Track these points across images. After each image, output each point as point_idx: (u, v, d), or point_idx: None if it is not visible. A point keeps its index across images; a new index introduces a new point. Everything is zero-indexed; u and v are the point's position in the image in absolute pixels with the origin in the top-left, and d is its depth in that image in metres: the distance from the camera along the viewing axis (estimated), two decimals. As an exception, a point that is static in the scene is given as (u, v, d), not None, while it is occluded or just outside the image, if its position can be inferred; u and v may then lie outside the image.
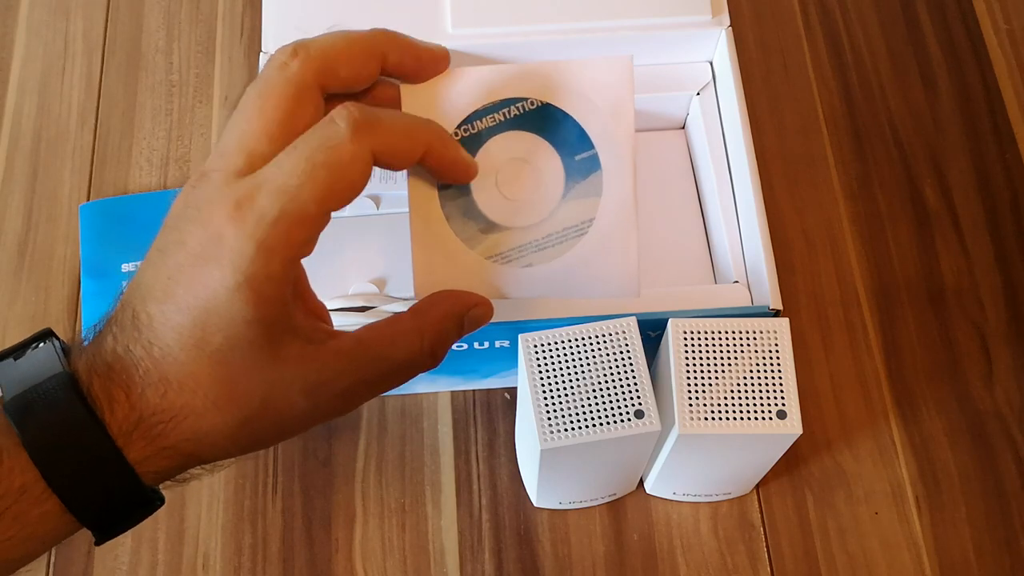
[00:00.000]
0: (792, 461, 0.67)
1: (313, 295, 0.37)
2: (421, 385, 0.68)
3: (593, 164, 0.34)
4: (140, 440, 0.31)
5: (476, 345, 0.61)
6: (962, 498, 0.67)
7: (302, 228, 0.32)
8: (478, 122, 0.34)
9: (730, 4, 0.67)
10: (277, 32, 0.67)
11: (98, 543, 0.34)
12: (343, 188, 0.32)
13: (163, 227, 0.33)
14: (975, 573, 0.65)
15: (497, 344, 0.61)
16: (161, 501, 0.34)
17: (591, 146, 0.33)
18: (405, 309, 0.59)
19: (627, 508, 0.66)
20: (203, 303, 0.31)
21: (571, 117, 0.33)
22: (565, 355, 0.53)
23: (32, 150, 0.78)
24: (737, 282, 0.64)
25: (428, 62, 0.38)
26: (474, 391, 0.70)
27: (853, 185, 0.77)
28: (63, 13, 0.83)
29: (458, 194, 0.34)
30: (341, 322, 0.59)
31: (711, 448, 0.56)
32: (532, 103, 0.33)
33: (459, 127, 0.35)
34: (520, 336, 0.54)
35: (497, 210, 0.33)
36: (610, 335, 0.54)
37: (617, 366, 0.53)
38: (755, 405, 0.53)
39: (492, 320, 0.59)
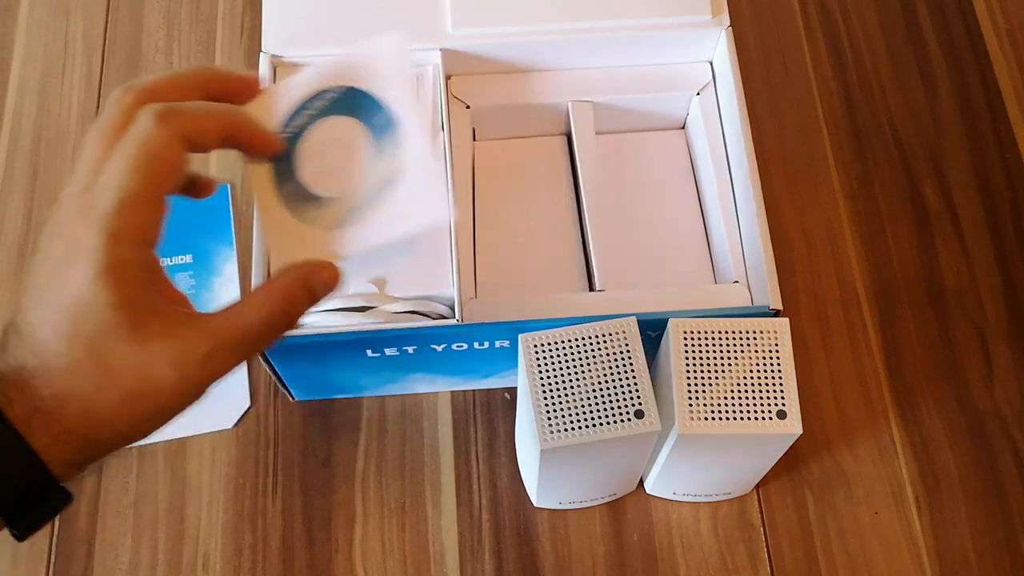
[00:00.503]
0: (792, 461, 0.67)
1: (170, 284, 0.39)
2: (421, 385, 0.68)
3: (390, 124, 0.39)
4: (39, 427, 0.34)
5: (476, 345, 0.61)
6: (962, 498, 0.67)
7: (139, 212, 0.36)
8: (297, 119, 0.40)
9: (730, 4, 0.68)
10: (277, 32, 0.67)
11: (19, 538, 0.37)
12: (164, 171, 0.37)
13: (34, 254, 0.38)
14: (975, 573, 0.65)
15: (497, 344, 0.61)
16: (70, 496, 0.37)
17: (385, 109, 0.39)
18: (405, 309, 0.59)
19: (627, 508, 0.66)
20: (71, 299, 0.35)
21: (366, 92, 0.39)
22: (565, 355, 0.53)
23: (32, 150, 0.78)
24: (737, 282, 0.64)
25: (240, 87, 0.41)
26: (474, 391, 0.70)
27: (853, 185, 0.77)
28: (63, 13, 0.83)
29: (289, 180, 0.39)
30: (341, 322, 0.59)
31: (711, 448, 0.56)
32: (336, 91, 0.39)
33: (284, 128, 0.40)
34: (520, 336, 0.54)
35: (324, 186, 0.39)
36: (610, 335, 0.54)
37: (617, 366, 0.53)
38: (755, 405, 0.53)
39: (491, 320, 0.59)
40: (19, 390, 0.35)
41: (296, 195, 0.40)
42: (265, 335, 0.38)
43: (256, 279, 0.60)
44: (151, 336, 0.36)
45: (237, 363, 0.38)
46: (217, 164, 0.77)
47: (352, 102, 0.39)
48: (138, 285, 0.36)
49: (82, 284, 0.35)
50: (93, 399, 0.35)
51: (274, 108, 0.41)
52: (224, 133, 0.39)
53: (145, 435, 0.38)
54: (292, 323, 0.39)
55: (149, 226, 0.37)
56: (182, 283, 0.73)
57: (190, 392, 0.37)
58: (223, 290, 0.73)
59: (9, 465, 0.34)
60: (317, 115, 0.40)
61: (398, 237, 0.39)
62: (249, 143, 0.40)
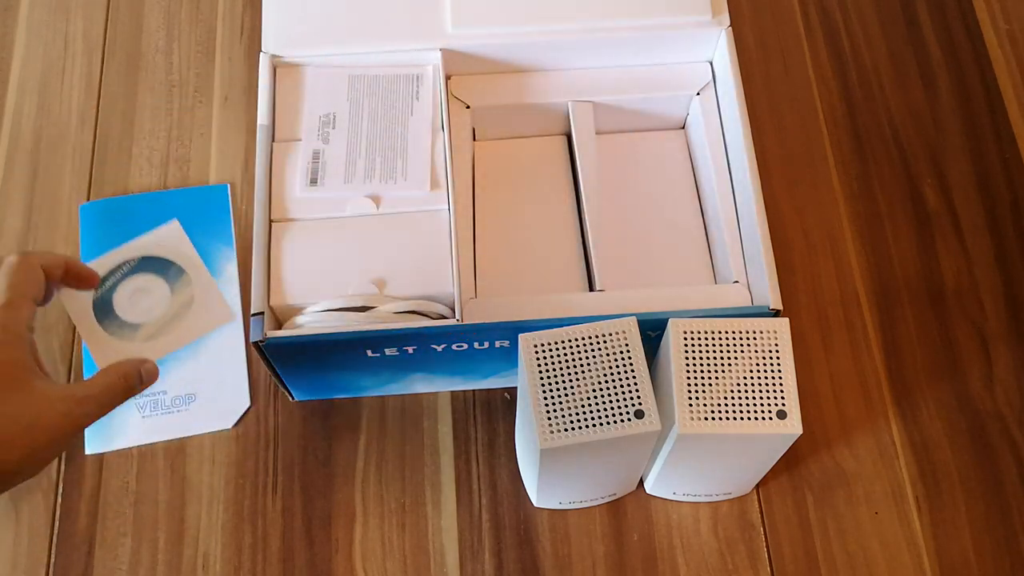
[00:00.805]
0: (792, 461, 0.67)
1: (40, 361, 0.52)
2: (421, 385, 0.68)
3: (180, 272, 0.60)
4: None
5: (476, 345, 0.61)
6: (962, 498, 0.67)
7: (18, 307, 0.50)
8: (110, 280, 0.59)
9: (730, 4, 0.68)
10: (277, 32, 0.67)
11: None
12: (30, 283, 0.51)
13: None
14: (975, 573, 0.65)
15: (497, 344, 0.61)
16: None
17: (174, 263, 0.60)
18: (405, 309, 0.59)
19: (627, 508, 0.66)
20: None
21: (159, 257, 0.59)
22: (565, 355, 0.53)
23: (32, 150, 0.78)
24: (737, 282, 0.64)
25: (84, 276, 0.56)
26: (474, 391, 0.70)
27: (853, 185, 0.77)
28: (63, 13, 0.83)
29: (108, 316, 0.58)
30: (341, 322, 0.59)
31: (711, 448, 0.56)
32: (132, 260, 0.59)
33: (101, 287, 0.58)
34: (520, 336, 0.54)
35: (137, 315, 0.58)
36: (610, 335, 0.54)
37: (617, 366, 0.53)
38: (755, 405, 0.53)
39: (491, 320, 0.59)
40: None
41: (115, 324, 0.59)
42: (106, 400, 0.51)
43: (257, 279, 0.60)
44: (34, 387, 0.48)
45: (90, 418, 0.50)
46: (217, 164, 0.77)
47: (148, 264, 0.59)
48: (20, 352, 0.49)
49: None
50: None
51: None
52: (65, 266, 0.54)
53: (35, 469, 0.48)
54: (128, 393, 0.52)
55: (26, 318, 0.50)
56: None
57: (68, 430, 0.48)
58: (224, 290, 0.73)
59: None
60: (124, 275, 0.59)
61: (194, 340, 0.59)
62: (79, 276, 0.55)
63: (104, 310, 0.63)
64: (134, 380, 0.53)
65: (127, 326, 0.62)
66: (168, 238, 0.64)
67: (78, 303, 0.61)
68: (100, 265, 0.61)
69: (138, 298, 0.62)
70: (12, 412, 0.47)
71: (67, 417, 0.48)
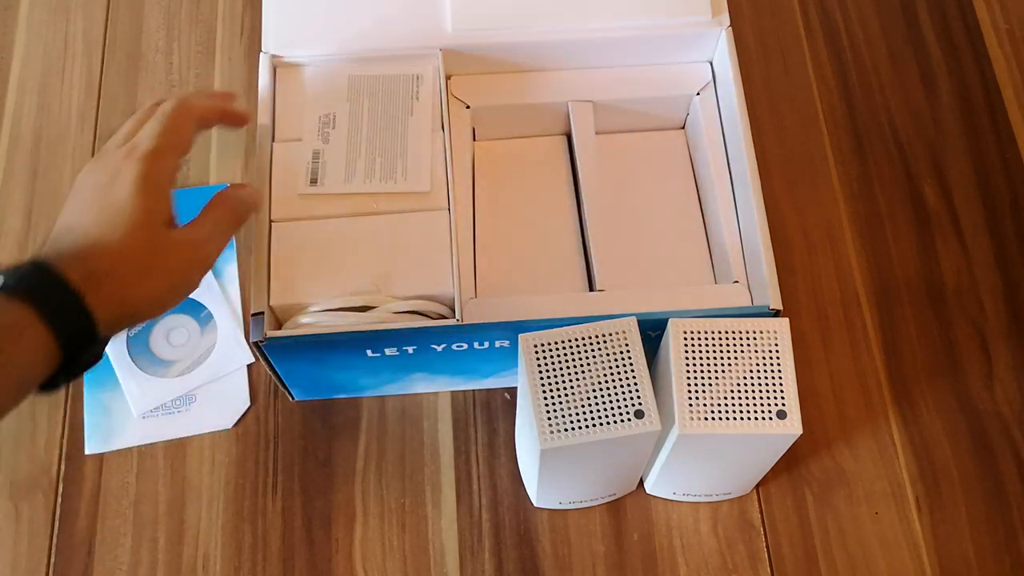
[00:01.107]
0: (792, 461, 0.67)
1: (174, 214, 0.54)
2: (421, 385, 0.68)
3: (209, 316, 0.71)
4: (91, 291, 0.47)
5: (476, 345, 0.61)
6: (962, 498, 0.67)
7: (164, 159, 0.52)
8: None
9: (730, 4, 0.68)
10: (277, 32, 0.67)
11: (52, 387, 0.48)
12: (181, 136, 0.54)
13: (71, 193, 0.52)
14: (975, 573, 0.65)
15: (497, 344, 0.61)
16: (102, 352, 0.51)
17: (205, 307, 0.71)
18: (405, 309, 0.59)
19: (627, 508, 0.66)
20: (115, 206, 0.50)
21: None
22: (565, 355, 0.53)
23: (32, 150, 0.78)
24: (737, 282, 0.64)
25: (239, 117, 0.59)
26: (474, 391, 0.70)
27: (853, 185, 0.77)
28: (63, 13, 0.83)
29: (145, 351, 0.70)
30: (341, 322, 0.59)
31: (711, 448, 0.56)
32: None
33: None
34: (520, 336, 0.54)
35: (172, 353, 0.70)
36: (610, 335, 0.54)
37: (617, 366, 0.53)
38: (755, 405, 0.53)
39: (491, 320, 0.59)
40: (78, 261, 0.48)
41: (149, 360, 0.70)
42: (222, 236, 0.54)
43: (257, 279, 0.60)
44: (170, 232, 0.51)
45: (212, 256, 0.54)
46: (217, 164, 0.77)
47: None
48: (162, 202, 0.52)
49: (125, 195, 0.50)
50: (131, 270, 0.49)
51: None
52: (221, 114, 0.57)
53: (167, 304, 0.52)
54: (240, 222, 0.56)
55: (170, 169, 0.53)
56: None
57: (194, 273, 0.53)
58: (224, 291, 0.73)
59: (69, 320, 0.46)
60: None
61: (216, 378, 0.69)
62: (233, 118, 0.58)
63: (140, 347, 0.71)
64: (242, 210, 0.56)
65: (160, 363, 0.71)
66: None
67: (113, 341, 0.65)
68: None
69: (172, 336, 0.71)
70: (141, 259, 0.49)
71: (191, 262, 0.52)
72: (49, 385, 0.49)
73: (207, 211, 0.54)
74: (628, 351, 0.53)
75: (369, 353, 0.61)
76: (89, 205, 0.50)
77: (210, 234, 0.53)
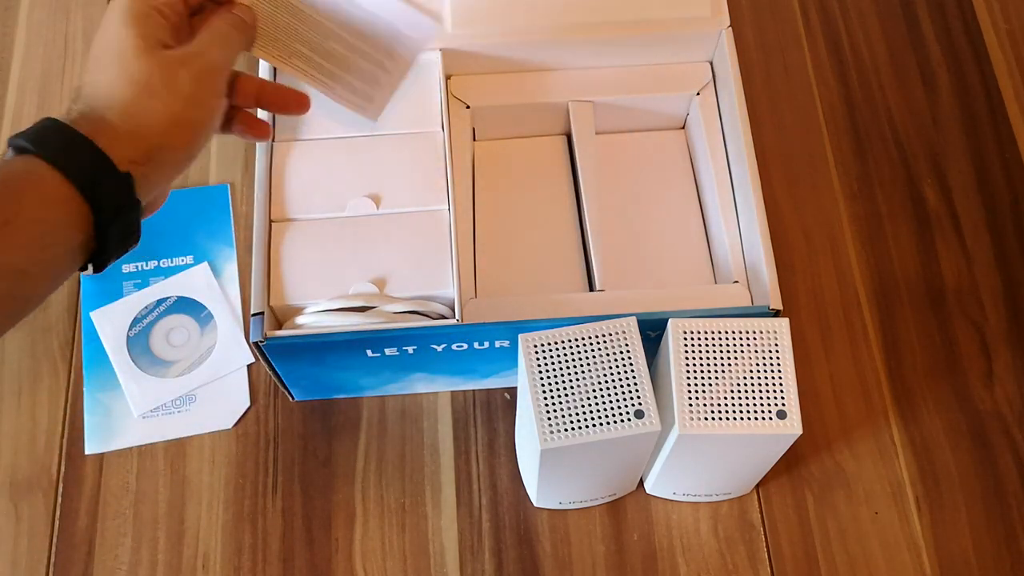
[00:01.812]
0: (792, 461, 0.67)
1: (186, 27, 0.52)
2: (421, 385, 0.68)
3: (209, 316, 0.71)
4: (103, 134, 0.45)
5: (476, 345, 0.61)
6: (962, 498, 0.67)
7: None
8: (146, 318, 0.71)
9: (730, 4, 0.68)
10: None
11: (99, 263, 0.47)
12: None
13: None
14: (975, 573, 0.65)
15: (497, 344, 0.61)
16: (135, 198, 0.47)
17: (205, 307, 0.71)
18: (405, 309, 0.59)
19: (627, 508, 0.66)
20: (103, 49, 0.49)
21: (194, 299, 0.70)
22: (565, 355, 0.53)
23: (32, 150, 0.78)
24: (737, 282, 0.64)
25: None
26: (474, 391, 0.70)
27: (853, 185, 0.77)
28: (63, 13, 0.83)
29: (146, 351, 0.70)
30: (341, 322, 0.59)
31: (711, 448, 0.56)
32: (171, 299, 0.71)
33: (135, 325, 0.71)
34: (520, 336, 0.54)
35: (172, 353, 0.70)
36: (610, 335, 0.54)
37: (617, 366, 0.53)
38: (755, 405, 0.53)
39: (491, 320, 0.59)
40: (82, 110, 0.47)
41: (149, 360, 0.70)
42: (227, 46, 0.52)
43: (257, 279, 0.60)
44: (163, 52, 0.49)
45: (219, 70, 0.51)
46: (217, 164, 0.77)
47: (183, 305, 0.69)
48: (148, 27, 0.49)
49: (110, 34, 0.49)
50: (129, 99, 0.47)
51: (126, 314, 0.72)
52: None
53: (186, 130, 0.49)
54: (246, 34, 0.54)
55: (156, 3, 0.50)
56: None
57: (206, 77, 0.50)
58: (225, 290, 0.73)
59: (82, 160, 0.45)
60: (161, 314, 0.71)
61: (215, 378, 0.70)
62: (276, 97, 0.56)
63: (140, 347, 0.70)
64: (239, 21, 0.54)
65: (160, 363, 0.70)
66: (198, 278, 0.72)
67: (114, 342, 0.70)
68: (135, 302, 0.71)
69: (172, 337, 0.71)
70: (136, 86, 0.47)
71: (194, 74, 0.49)
72: (97, 257, 0.47)
73: (208, 26, 0.52)
74: (628, 351, 0.53)
75: (369, 353, 0.61)
76: (89, 63, 0.49)
77: (209, 43, 0.51)
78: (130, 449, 0.68)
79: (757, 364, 0.54)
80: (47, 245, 0.44)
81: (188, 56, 0.50)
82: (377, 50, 0.61)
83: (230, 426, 0.69)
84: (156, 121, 0.48)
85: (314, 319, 0.60)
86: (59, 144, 0.45)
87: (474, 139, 0.72)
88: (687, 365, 0.54)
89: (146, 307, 0.72)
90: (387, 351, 0.61)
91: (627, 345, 0.53)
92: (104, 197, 0.45)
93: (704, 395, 0.53)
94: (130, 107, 0.47)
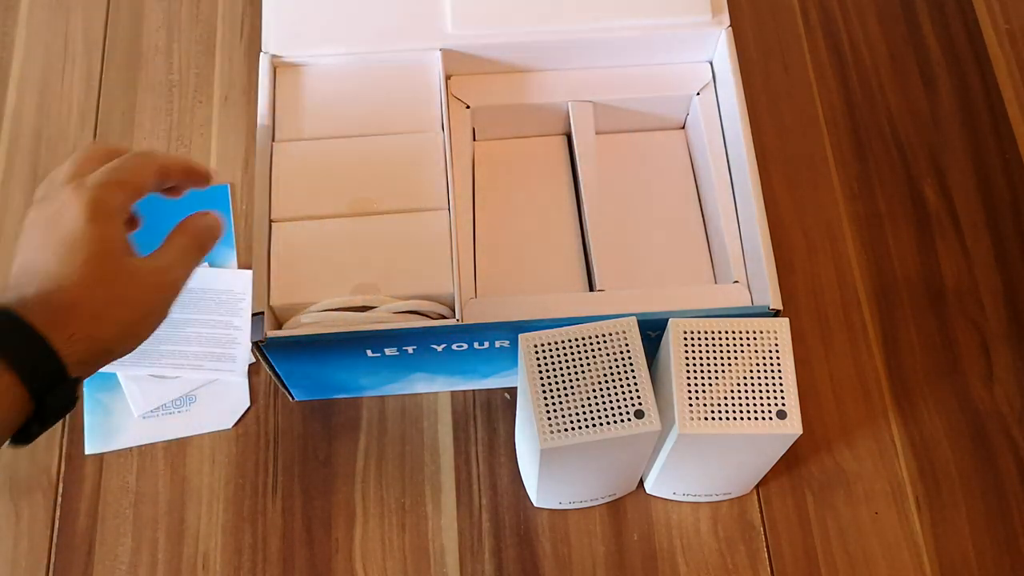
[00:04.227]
0: (792, 461, 0.67)
1: (130, 245, 0.52)
2: (421, 385, 0.68)
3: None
4: (56, 331, 0.45)
5: (476, 345, 0.61)
6: (962, 498, 0.67)
7: (117, 194, 0.50)
8: None
9: (730, 4, 0.68)
10: (277, 32, 0.67)
11: (26, 439, 0.46)
12: (135, 175, 0.51)
13: (22, 233, 0.50)
14: (975, 573, 0.65)
15: (497, 344, 0.61)
16: (76, 395, 0.47)
17: None
18: (405, 309, 0.59)
19: (627, 508, 0.66)
20: (69, 237, 0.47)
21: None
22: (565, 355, 0.53)
23: (32, 150, 0.78)
24: (737, 282, 0.64)
25: (195, 175, 0.56)
26: (474, 391, 0.70)
27: (853, 185, 0.77)
28: (63, 13, 0.83)
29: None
30: (342, 322, 0.59)
31: (711, 448, 0.56)
32: None
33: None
34: (520, 336, 0.54)
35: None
36: (610, 335, 0.54)
37: (617, 366, 0.53)
38: (755, 405, 0.53)
39: (491, 320, 0.59)
40: (40, 302, 0.46)
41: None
42: (187, 264, 0.52)
43: (257, 279, 0.60)
44: (124, 264, 0.49)
45: (178, 284, 0.52)
46: (217, 164, 0.77)
47: None
48: (116, 230, 0.49)
49: (76, 226, 0.48)
50: (96, 303, 0.47)
51: None
52: (184, 170, 0.54)
53: (134, 343, 0.50)
54: (204, 251, 0.53)
55: (121, 202, 0.50)
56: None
57: (159, 302, 0.51)
58: (223, 290, 0.73)
59: (35, 363, 0.44)
60: None
61: (215, 378, 0.69)
62: (195, 177, 0.55)
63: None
64: (206, 238, 0.54)
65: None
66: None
67: None
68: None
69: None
70: (104, 289, 0.47)
71: (157, 289, 0.50)
72: (21, 436, 0.46)
73: (169, 239, 0.53)
74: (628, 351, 0.53)
75: (369, 353, 0.61)
76: (42, 243, 0.48)
77: (174, 260, 0.52)
78: (130, 449, 0.68)
79: (757, 364, 0.53)
80: None
81: (157, 271, 0.50)
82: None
83: (230, 426, 0.69)
84: (112, 330, 0.48)
85: (314, 319, 0.60)
86: (18, 346, 0.44)
87: (474, 139, 0.72)
88: (687, 365, 0.53)
89: None
90: (387, 351, 0.61)
91: (627, 345, 0.53)
92: (51, 398, 0.46)
93: (704, 395, 0.53)
94: (87, 309, 0.47)
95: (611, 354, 0.53)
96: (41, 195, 0.51)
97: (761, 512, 0.66)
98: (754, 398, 0.53)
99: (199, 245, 0.53)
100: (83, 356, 0.46)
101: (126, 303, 0.48)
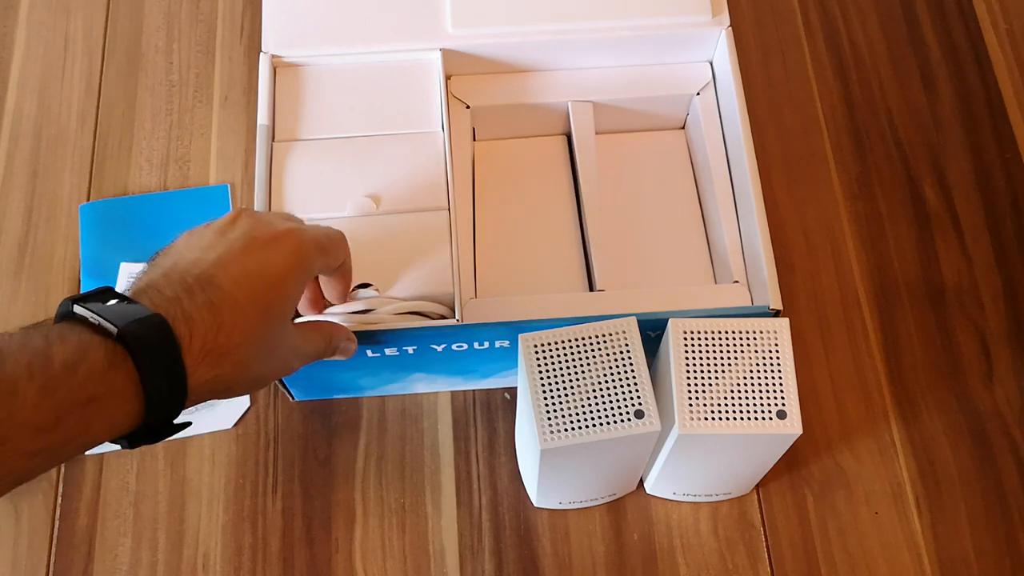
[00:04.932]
0: (792, 461, 0.67)
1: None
2: (421, 385, 0.68)
3: None
4: (203, 367, 0.44)
5: (476, 345, 0.61)
6: (962, 498, 0.67)
7: (320, 255, 0.51)
8: None
9: (730, 4, 0.68)
10: (277, 32, 0.67)
11: (132, 445, 0.44)
12: (333, 255, 0.53)
13: (187, 233, 0.49)
14: (975, 573, 0.65)
15: (497, 344, 0.61)
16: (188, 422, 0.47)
17: None
18: (405, 310, 0.59)
19: (627, 508, 0.66)
20: (265, 271, 0.46)
21: None
22: (565, 355, 0.53)
23: (32, 150, 0.78)
24: (737, 282, 0.64)
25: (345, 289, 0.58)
26: (474, 391, 0.70)
27: (853, 185, 0.77)
28: (63, 13, 0.83)
29: None
30: (341, 322, 0.59)
31: (711, 448, 0.56)
32: None
33: None
34: (520, 336, 0.54)
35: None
36: (610, 335, 0.54)
37: (617, 366, 0.53)
38: (755, 405, 0.53)
39: (491, 320, 0.59)
40: (199, 330, 0.43)
41: None
42: (311, 358, 0.53)
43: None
44: (290, 324, 0.50)
45: (297, 367, 0.52)
46: (217, 165, 0.77)
47: None
48: (300, 290, 0.50)
49: (280, 267, 0.47)
50: (248, 355, 0.46)
51: None
52: (346, 279, 0.57)
53: (243, 393, 0.49)
54: (324, 356, 0.54)
55: (317, 269, 0.52)
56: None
57: (282, 373, 0.52)
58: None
59: (170, 387, 0.43)
60: None
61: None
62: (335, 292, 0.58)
63: None
64: (334, 353, 0.55)
65: None
66: None
67: None
68: None
69: None
70: (259, 347, 0.46)
71: (285, 363, 0.51)
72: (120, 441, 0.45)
73: (318, 327, 0.53)
74: (628, 351, 0.53)
75: (369, 353, 0.61)
76: (239, 255, 0.46)
77: (308, 351, 0.52)
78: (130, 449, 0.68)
79: (757, 364, 0.53)
80: (96, 434, 0.42)
81: (295, 348, 0.51)
82: None
83: (230, 426, 0.69)
84: (243, 386, 0.47)
85: (314, 319, 0.60)
86: (159, 365, 0.42)
87: (474, 139, 0.72)
88: (687, 365, 0.53)
89: None
90: (387, 351, 0.61)
91: (627, 345, 0.53)
92: (164, 415, 0.44)
93: (704, 395, 0.53)
94: (240, 358, 0.45)
95: (611, 354, 0.53)
96: (253, 212, 0.50)
97: (761, 512, 0.66)
98: (754, 398, 0.53)
99: (328, 353, 0.55)
100: (200, 396, 0.45)
101: (265, 364, 0.47)
